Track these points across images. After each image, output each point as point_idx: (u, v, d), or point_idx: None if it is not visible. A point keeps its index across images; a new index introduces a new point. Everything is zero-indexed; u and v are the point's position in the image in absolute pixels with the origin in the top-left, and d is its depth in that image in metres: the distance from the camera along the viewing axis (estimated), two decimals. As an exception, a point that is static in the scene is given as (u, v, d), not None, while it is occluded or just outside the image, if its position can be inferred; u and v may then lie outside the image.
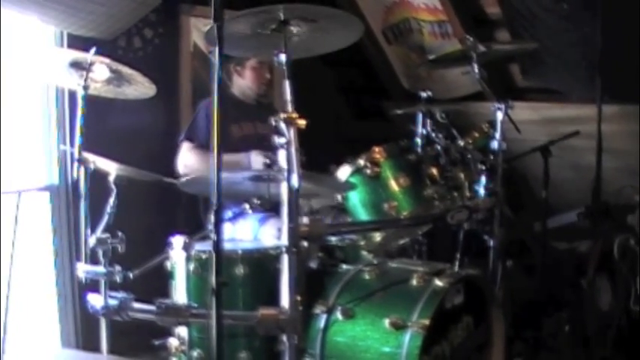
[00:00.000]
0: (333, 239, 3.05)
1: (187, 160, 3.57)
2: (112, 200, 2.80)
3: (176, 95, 4.27)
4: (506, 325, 2.94)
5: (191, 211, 3.76)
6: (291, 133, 2.27)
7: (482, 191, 3.17)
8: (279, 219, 2.32)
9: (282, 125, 2.27)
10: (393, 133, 3.52)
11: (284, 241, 2.26)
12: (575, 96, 4.21)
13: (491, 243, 3.25)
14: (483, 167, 3.20)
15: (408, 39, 4.83)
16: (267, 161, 3.24)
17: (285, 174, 2.26)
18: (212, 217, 2.02)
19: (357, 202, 3.03)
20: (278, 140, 2.27)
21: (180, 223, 3.92)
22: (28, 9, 3.31)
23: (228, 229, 3.36)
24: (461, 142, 3.28)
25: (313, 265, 2.87)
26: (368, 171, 2.97)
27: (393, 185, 2.97)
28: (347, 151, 3.18)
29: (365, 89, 5.25)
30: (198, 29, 4.29)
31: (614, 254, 3.42)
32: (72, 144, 2.92)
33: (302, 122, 2.29)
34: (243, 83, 3.78)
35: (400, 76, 5.02)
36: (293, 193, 2.24)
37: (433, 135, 3.16)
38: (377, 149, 3.02)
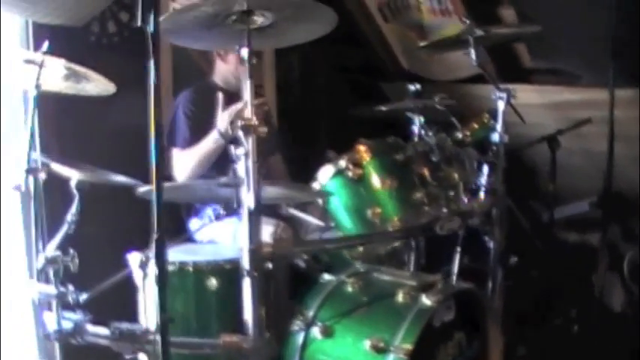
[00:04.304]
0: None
1: (182, 167, 3.26)
2: (74, 207, 2.57)
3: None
4: (504, 339, 2.70)
5: (172, 213, 3.53)
6: (250, 143, 2.01)
7: (480, 190, 2.92)
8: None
9: (240, 134, 2.01)
10: (390, 115, 3.30)
11: (244, 264, 2.02)
12: (586, 79, 3.93)
13: (491, 245, 2.99)
14: (481, 163, 2.94)
15: (405, 16, 4.53)
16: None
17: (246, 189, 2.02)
18: (153, 246, 1.77)
19: (339, 205, 2.76)
20: (236, 151, 2.02)
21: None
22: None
23: (210, 230, 3.14)
24: (459, 134, 3.00)
25: (302, 264, 2.73)
26: (350, 173, 2.70)
27: (378, 188, 2.69)
28: (344, 132, 2.97)
29: (363, 69, 4.97)
30: (178, 11, 4.02)
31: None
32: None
33: (263, 130, 2.03)
34: (226, 69, 3.50)
35: (399, 55, 4.72)
36: (252, 214, 2.00)
37: (423, 131, 2.89)
38: (362, 148, 2.75)
